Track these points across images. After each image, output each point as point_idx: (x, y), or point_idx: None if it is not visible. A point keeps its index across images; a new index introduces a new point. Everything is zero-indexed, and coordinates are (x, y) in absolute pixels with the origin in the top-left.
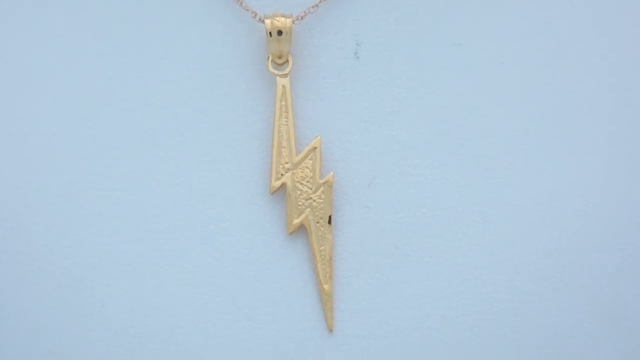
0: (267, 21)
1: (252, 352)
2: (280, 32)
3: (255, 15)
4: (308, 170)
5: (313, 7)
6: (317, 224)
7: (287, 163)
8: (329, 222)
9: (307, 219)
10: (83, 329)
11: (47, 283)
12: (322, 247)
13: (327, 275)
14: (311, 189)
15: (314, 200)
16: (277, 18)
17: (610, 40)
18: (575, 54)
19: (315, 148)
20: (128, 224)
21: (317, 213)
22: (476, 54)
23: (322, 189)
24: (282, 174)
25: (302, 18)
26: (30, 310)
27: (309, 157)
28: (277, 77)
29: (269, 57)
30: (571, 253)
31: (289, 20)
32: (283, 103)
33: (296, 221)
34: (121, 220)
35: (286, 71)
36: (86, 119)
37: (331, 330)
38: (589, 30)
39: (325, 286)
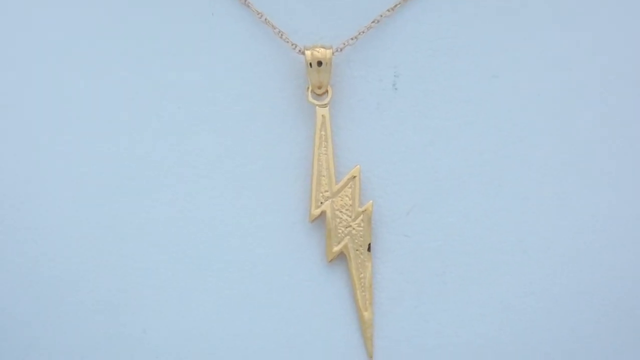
0: (308, 52)
1: None
2: (320, 63)
3: (296, 47)
4: (347, 199)
5: (352, 39)
6: (357, 252)
7: (326, 191)
8: (369, 249)
9: (346, 246)
10: (124, 355)
11: (88, 309)
12: (362, 275)
13: (367, 302)
14: (351, 217)
15: (354, 228)
16: (317, 49)
17: None
18: (614, 86)
19: (355, 177)
20: (169, 250)
21: (356, 241)
22: (513, 85)
23: (361, 217)
24: (321, 202)
25: (341, 50)
26: (70, 337)
27: (349, 185)
28: (317, 107)
29: (308, 87)
30: (609, 283)
31: (328, 52)
32: (323, 132)
33: (336, 249)
34: (162, 246)
35: (326, 101)
36: (127, 148)
37: (371, 357)
38: (627, 62)
39: (365, 313)
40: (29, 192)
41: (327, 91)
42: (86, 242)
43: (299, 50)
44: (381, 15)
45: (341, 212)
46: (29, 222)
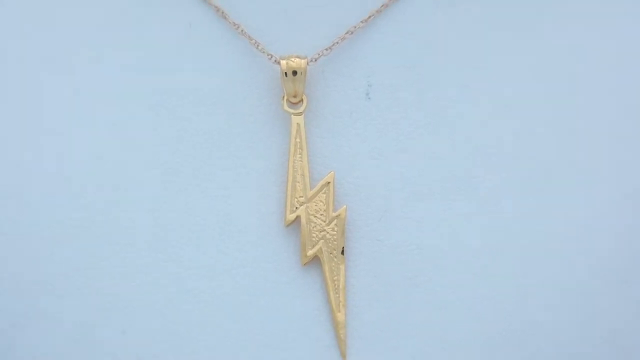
0: (283, 62)
1: None
2: (295, 73)
3: (272, 57)
4: (322, 204)
5: (327, 49)
6: (331, 255)
7: (301, 197)
8: (342, 253)
9: (320, 250)
10: (104, 355)
11: (69, 310)
12: (335, 278)
13: (341, 304)
14: (325, 221)
15: (328, 233)
16: (293, 59)
17: (620, 79)
18: (582, 93)
19: (329, 183)
20: (147, 253)
21: (330, 245)
22: (483, 95)
23: (335, 221)
24: (296, 207)
25: (316, 60)
26: (51, 337)
27: (323, 191)
28: (292, 115)
29: (284, 96)
30: (582, 285)
31: (303, 62)
32: (297, 140)
33: (310, 252)
34: (140, 249)
35: (301, 110)
36: (102, 154)
37: (344, 358)
38: (595, 71)
39: (339, 315)
40: (5, 196)
41: (302, 100)
42: (66, 244)
43: (275, 60)
44: (355, 27)
45: (315, 216)
46: (4, 226)
